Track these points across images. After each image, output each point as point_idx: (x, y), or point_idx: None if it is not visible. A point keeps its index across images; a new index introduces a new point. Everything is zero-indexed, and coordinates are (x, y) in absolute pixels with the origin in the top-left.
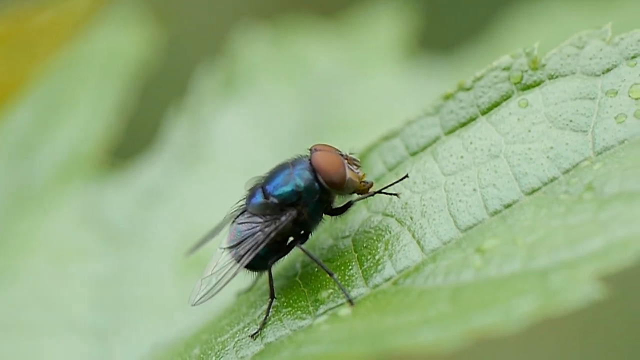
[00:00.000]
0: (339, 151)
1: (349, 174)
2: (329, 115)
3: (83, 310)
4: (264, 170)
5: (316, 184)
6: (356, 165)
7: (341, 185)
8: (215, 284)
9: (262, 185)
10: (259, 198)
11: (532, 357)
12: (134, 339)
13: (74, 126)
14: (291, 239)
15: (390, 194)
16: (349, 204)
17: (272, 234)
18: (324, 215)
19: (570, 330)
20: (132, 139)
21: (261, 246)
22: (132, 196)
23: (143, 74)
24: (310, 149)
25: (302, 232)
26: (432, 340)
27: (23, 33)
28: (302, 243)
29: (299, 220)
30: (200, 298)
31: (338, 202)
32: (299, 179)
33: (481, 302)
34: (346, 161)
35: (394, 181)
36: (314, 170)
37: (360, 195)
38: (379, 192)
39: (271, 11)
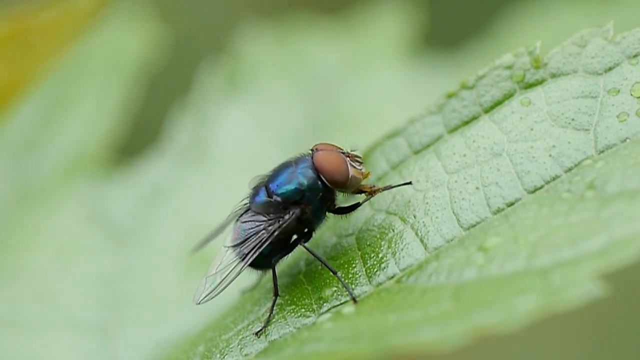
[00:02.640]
0: (341, 149)
1: (351, 172)
2: (332, 112)
3: (86, 307)
4: (267, 168)
5: (319, 183)
6: (358, 162)
7: (344, 184)
8: (220, 282)
9: (265, 184)
10: (262, 197)
11: (537, 354)
12: (138, 336)
13: (78, 123)
14: (295, 237)
15: (400, 185)
16: (355, 205)
17: (276, 233)
18: (327, 213)
19: (575, 328)
20: (136, 137)
21: (265, 244)
22: (136, 193)
23: (147, 72)
24: (312, 149)
25: (306, 230)
26: (434, 338)
27: (25, 33)
28: (305, 241)
29: (302, 219)
30: (205, 296)
31: (342, 199)
32: (302, 177)
33: (483, 301)
34: (348, 159)
35: (399, 184)
36: (316, 169)
37: (366, 196)
38: (385, 188)
39: (274, 9)
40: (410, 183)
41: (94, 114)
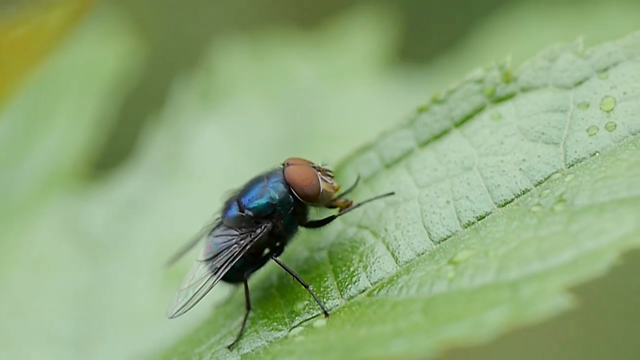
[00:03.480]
0: (312, 163)
1: (322, 186)
2: (307, 127)
3: (62, 321)
4: (241, 182)
5: (290, 197)
6: (330, 176)
7: (315, 198)
8: (193, 297)
9: (237, 198)
10: (234, 211)
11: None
12: (113, 350)
13: (53, 139)
14: (267, 251)
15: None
16: (327, 220)
17: (248, 247)
18: (299, 227)
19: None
20: (112, 151)
21: (237, 258)
22: (111, 208)
23: (122, 87)
24: (284, 163)
25: (278, 244)
26: (404, 351)
27: None
28: (277, 255)
29: (274, 233)
30: (178, 310)
31: (315, 213)
32: (274, 191)
33: (453, 314)
34: (319, 173)
35: (375, 197)
36: (287, 183)
37: (339, 212)
38: (358, 205)
39: (250, 23)
40: (392, 194)
41: (69, 129)
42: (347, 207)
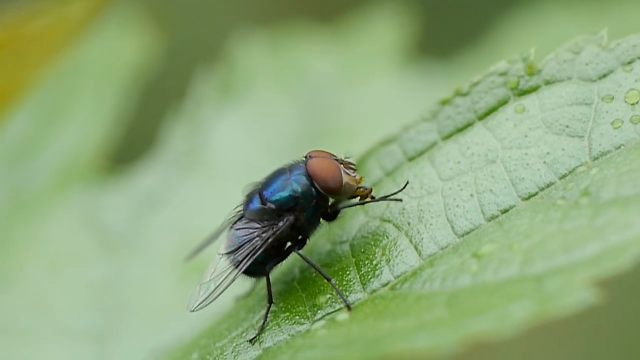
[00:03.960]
0: (334, 156)
1: (345, 179)
2: (326, 120)
3: (80, 315)
4: (261, 175)
5: (313, 190)
6: (352, 168)
7: (338, 191)
8: (214, 290)
9: (259, 191)
10: (256, 204)
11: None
12: (132, 344)
13: (72, 132)
14: (289, 244)
15: (393, 199)
16: (344, 209)
17: (270, 240)
18: (322, 220)
19: (571, 334)
20: (131, 144)
21: (259, 252)
22: (130, 201)
23: (141, 80)
24: (306, 156)
25: (300, 237)
26: (428, 345)
27: (17, 41)
28: (299, 248)
29: (296, 226)
30: (199, 304)
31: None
32: (296, 184)
33: (477, 308)
34: (342, 165)
35: (396, 190)
36: (310, 176)
37: (361, 201)
38: (381, 199)
39: (269, 17)
40: (407, 184)
41: (88, 122)
42: (367, 195)
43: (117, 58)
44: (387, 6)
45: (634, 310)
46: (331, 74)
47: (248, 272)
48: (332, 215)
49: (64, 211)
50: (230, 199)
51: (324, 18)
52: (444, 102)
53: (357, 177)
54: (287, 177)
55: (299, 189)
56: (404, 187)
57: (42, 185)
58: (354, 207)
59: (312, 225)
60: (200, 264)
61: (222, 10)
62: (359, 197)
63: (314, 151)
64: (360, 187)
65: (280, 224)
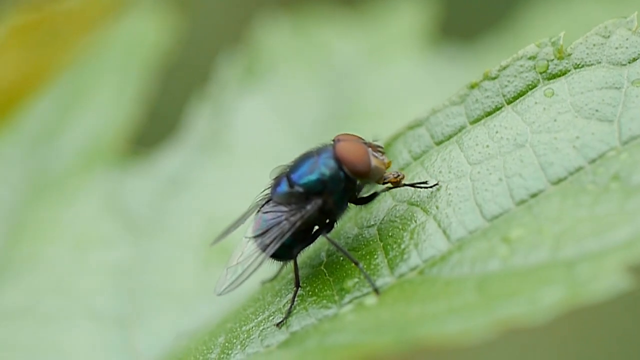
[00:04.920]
0: (362, 139)
1: (374, 162)
2: (350, 103)
3: (105, 298)
4: (285, 158)
5: (341, 173)
6: (380, 152)
7: (367, 174)
8: (241, 273)
9: (287, 174)
10: (284, 187)
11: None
12: (157, 327)
13: (96, 114)
14: (316, 227)
15: (425, 187)
16: (374, 194)
17: (298, 223)
18: (349, 204)
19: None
20: (155, 127)
21: (286, 235)
22: (154, 184)
23: (166, 62)
24: (334, 139)
25: (328, 220)
26: (459, 330)
27: (51, 20)
28: (327, 232)
29: (324, 209)
30: (226, 287)
31: (365, 189)
32: (324, 167)
33: (508, 292)
34: (370, 149)
35: (426, 184)
36: (338, 160)
37: (390, 186)
38: (411, 185)
39: (292, 0)
40: (435, 185)
41: (112, 104)
42: (398, 182)
43: (141, 41)
44: None
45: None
46: (355, 57)
47: (275, 255)
48: (361, 199)
49: (88, 194)
50: (254, 181)
51: (347, 1)
52: (473, 86)
53: (386, 161)
54: (315, 161)
55: (327, 173)
56: (433, 186)
57: (66, 167)
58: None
59: (340, 209)
60: (226, 247)
61: None
62: (389, 183)
63: (342, 134)
64: (391, 175)
65: (308, 207)
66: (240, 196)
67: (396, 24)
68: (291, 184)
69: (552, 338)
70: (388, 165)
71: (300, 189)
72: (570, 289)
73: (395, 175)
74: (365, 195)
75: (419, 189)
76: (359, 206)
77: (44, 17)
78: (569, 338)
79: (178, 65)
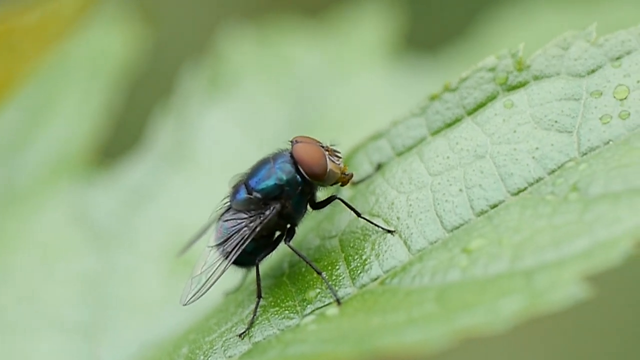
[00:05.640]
0: (320, 143)
1: (330, 165)
2: (314, 114)
3: (70, 309)
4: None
5: (298, 177)
6: (337, 156)
7: (322, 177)
8: (205, 282)
9: (244, 181)
10: (242, 194)
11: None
12: (122, 338)
13: (61, 126)
14: (278, 233)
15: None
16: (332, 197)
17: (258, 229)
18: (308, 208)
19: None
20: (119, 139)
21: (247, 241)
22: (119, 195)
23: (129, 74)
24: (291, 141)
25: (288, 226)
26: (418, 340)
27: (9, 34)
28: (289, 240)
29: (283, 214)
30: (192, 297)
31: (322, 194)
32: (281, 172)
33: (467, 302)
34: (327, 152)
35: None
36: (295, 162)
37: (341, 185)
38: (369, 221)
39: (256, 11)
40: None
41: (77, 116)
42: (347, 181)
43: (106, 52)
44: (374, 0)
45: (622, 306)
46: (319, 68)
47: (238, 262)
48: (319, 203)
49: (53, 205)
50: (218, 192)
51: (312, 12)
52: (433, 98)
53: (342, 165)
54: (272, 166)
55: (284, 177)
56: (390, 231)
57: (31, 179)
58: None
59: (299, 212)
60: (189, 257)
61: (209, 4)
62: (340, 184)
63: (300, 137)
64: (344, 176)
65: (267, 212)
66: (204, 207)
67: (360, 35)
68: (249, 191)
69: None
70: (344, 170)
71: (259, 195)
72: (528, 299)
73: (344, 175)
74: (323, 200)
75: (380, 200)
76: (320, 219)
77: (1, 32)
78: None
79: (143, 76)
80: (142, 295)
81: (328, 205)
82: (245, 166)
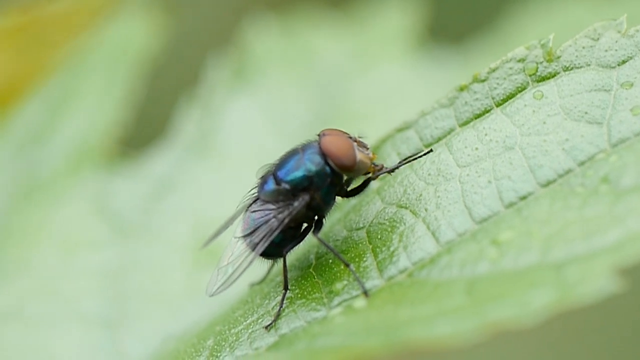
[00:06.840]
0: (348, 134)
1: (359, 156)
2: (338, 105)
3: (93, 301)
4: (274, 158)
5: (327, 168)
6: (365, 147)
7: (352, 168)
8: (232, 273)
9: (273, 172)
10: (270, 185)
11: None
12: (145, 330)
13: (84, 116)
14: (305, 225)
15: (419, 156)
16: (364, 184)
17: (286, 220)
18: (337, 198)
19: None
20: (143, 130)
21: (275, 233)
22: (143, 186)
23: (154, 64)
24: (319, 134)
25: (316, 217)
26: (448, 332)
27: (37, 24)
28: (317, 231)
29: (312, 205)
30: (218, 288)
31: (351, 184)
32: (310, 163)
33: (497, 295)
34: (355, 143)
35: (416, 155)
36: (324, 154)
37: (372, 175)
38: (407, 161)
39: (280, 2)
40: (431, 151)
41: (100, 107)
42: (379, 170)
43: (130, 42)
44: None
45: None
46: (343, 59)
47: (265, 254)
48: (351, 191)
49: (76, 196)
50: (242, 183)
51: (335, 3)
52: (462, 88)
53: (371, 155)
54: (301, 157)
55: (313, 168)
56: (427, 152)
57: (54, 170)
58: (370, 194)
59: (328, 204)
60: (214, 249)
61: None
62: (370, 174)
63: (328, 129)
64: (374, 166)
65: (296, 203)
66: (229, 198)
67: (384, 26)
68: (278, 182)
69: (545, 339)
70: (373, 159)
71: (287, 186)
72: (559, 291)
73: (374, 166)
74: (353, 189)
75: (408, 191)
76: (347, 210)
77: (28, 21)
78: (561, 339)
79: (167, 67)
80: (165, 287)
81: (355, 196)
82: (269, 157)
